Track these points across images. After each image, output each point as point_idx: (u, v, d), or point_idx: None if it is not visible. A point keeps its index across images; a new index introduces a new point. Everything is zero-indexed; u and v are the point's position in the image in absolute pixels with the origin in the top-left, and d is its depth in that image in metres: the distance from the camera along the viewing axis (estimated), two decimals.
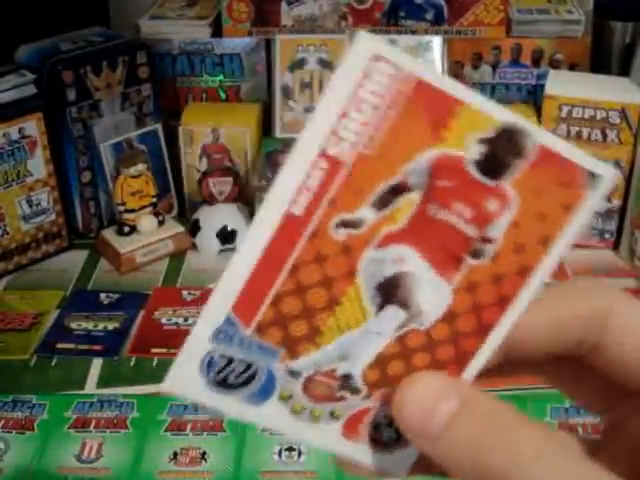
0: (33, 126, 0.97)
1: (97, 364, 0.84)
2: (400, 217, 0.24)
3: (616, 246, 1.03)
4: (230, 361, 0.26)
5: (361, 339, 0.26)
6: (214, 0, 1.16)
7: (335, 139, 0.23)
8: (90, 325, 0.89)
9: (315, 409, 0.27)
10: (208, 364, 0.26)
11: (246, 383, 0.26)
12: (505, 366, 0.28)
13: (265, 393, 0.26)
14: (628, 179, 1.00)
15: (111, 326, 0.89)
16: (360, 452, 0.28)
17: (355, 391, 0.27)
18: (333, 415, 0.27)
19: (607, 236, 1.03)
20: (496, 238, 0.25)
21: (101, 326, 0.89)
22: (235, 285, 0.25)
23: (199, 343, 0.26)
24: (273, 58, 1.09)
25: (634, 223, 0.99)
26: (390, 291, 0.25)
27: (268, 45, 1.11)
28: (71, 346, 0.86)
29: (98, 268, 1.01)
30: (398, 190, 0.24)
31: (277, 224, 0.24)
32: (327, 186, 0.23)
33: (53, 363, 0.85)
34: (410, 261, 0.25)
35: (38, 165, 0.99)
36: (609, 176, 0.24)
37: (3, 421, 0.76)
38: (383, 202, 0.24)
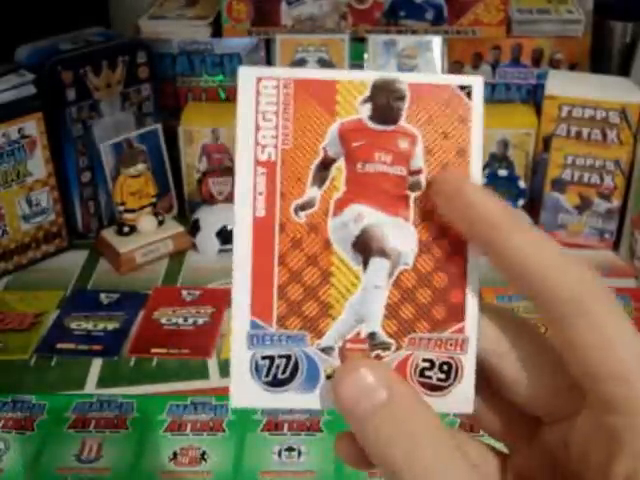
0: (33, 126, 0.97)
1: (97, 364, 0.84)
2: (339, 184, 0.29)
3: (616, 246, 1.03)
4: (272, 360, 0.29)
5: (365, 297, 0.29)
6: (214, 0, 1.16)
7: (260, 148, 0.28)
8: (90, 325, 0.89)
9: None
10: (256, 370, 0.29)
11: (293, 374, 0.29)
12: None
13: (313, 377, 0.29)
14: (628, 179, 1.00)
15: (111, 326, 0.89)
16: None
17: (386, 346, 0.29)
18: None
19: (607, 236, 1.03)
20: (421, 167, 0.29)
21: (101, 326, 0.89)
22: (244, 295, 0.28)
23: (240, 355, 0.29)
24: (273, 58, 1.09)
25: (634, 223, 0.99)
26: (365, 246, 0.29)
27: (268, 45, 1.11)
28: (71, 346, 0.86)
29: (98, 268, 1.01)
30: (325, 164, 0.28)
31: (251, 230, 0.28)
32: (273, 184, 0.28)
33: (53, 363, 0.85)
34: (367, 215, 0.29)
35: (38, 165, 0.99)
36: (477, 82, 0.29)
37: (3, 421, 0.76)
38: (320, 178, 0.28)
